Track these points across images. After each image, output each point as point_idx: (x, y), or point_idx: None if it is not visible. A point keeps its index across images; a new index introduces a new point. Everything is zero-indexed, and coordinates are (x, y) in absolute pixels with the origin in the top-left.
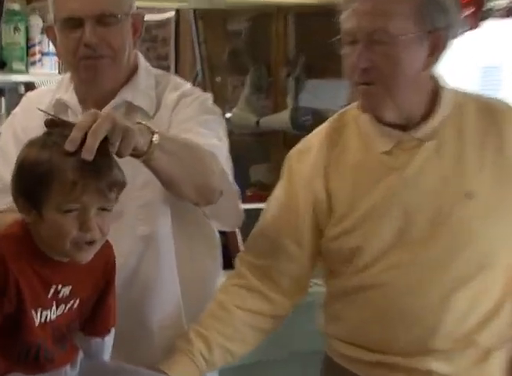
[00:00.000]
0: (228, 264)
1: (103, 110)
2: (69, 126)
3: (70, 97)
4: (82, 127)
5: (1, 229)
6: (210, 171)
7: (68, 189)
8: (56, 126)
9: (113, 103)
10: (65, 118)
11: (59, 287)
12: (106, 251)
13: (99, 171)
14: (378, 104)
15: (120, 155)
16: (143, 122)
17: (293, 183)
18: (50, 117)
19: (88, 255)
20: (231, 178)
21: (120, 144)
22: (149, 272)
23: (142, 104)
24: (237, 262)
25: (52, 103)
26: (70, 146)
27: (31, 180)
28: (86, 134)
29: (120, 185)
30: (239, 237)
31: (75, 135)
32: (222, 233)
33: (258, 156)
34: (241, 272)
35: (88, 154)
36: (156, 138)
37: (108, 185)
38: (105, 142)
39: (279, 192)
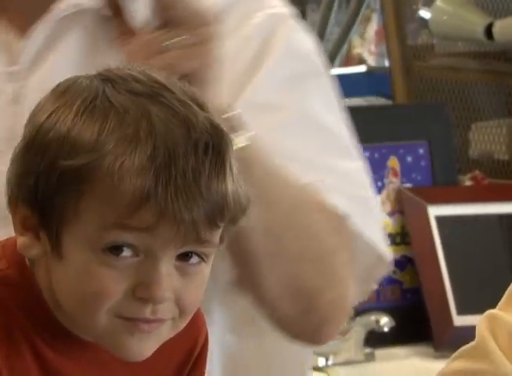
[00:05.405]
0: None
1: (36, 28)
2: None
3: None
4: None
5: None
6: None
7: (124, 208)
8: None
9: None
10: None
11: None
12: (193, 326)
13: (194, 180)
14: None
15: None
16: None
17: None
18: None
19: (144, 347)
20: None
21: None
22: None
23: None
24: (482, 328)
25: None
26: None
27: (48, 174)
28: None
29: (233, 213)
30: (448, 284)
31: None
32: None
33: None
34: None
35: None
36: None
37: (209, 211)
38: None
39: None
